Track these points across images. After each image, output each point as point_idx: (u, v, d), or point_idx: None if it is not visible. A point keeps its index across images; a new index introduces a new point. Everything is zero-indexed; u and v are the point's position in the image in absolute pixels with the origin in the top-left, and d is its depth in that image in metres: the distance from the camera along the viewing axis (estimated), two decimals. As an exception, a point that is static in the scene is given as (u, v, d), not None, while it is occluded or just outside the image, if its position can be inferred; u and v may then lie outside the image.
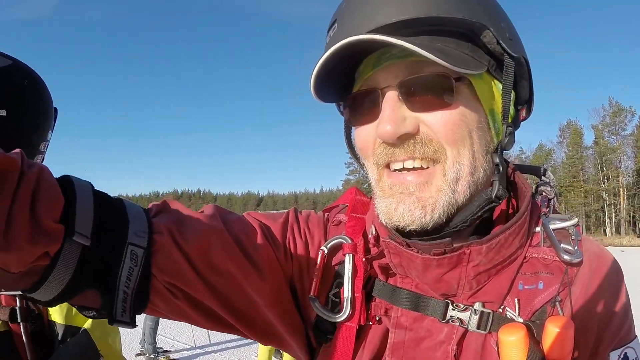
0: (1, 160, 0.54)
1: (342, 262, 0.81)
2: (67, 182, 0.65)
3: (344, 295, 0.78)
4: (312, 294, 0.81)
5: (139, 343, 6.75)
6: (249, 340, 7.77)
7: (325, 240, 0.85)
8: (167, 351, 6.98)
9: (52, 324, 1.04)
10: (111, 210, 0.69)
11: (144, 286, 0.70)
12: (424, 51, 0.62)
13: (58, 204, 0.60)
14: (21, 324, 0.98)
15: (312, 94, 0.74)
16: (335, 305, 0.80)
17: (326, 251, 0.83)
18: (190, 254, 0.73)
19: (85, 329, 1.01)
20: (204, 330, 7.45)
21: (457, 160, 0.70)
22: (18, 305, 0.97)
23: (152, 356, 6.56)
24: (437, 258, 0.70)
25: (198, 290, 0.74)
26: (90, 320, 0.99)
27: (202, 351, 7.00)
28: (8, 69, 0.91)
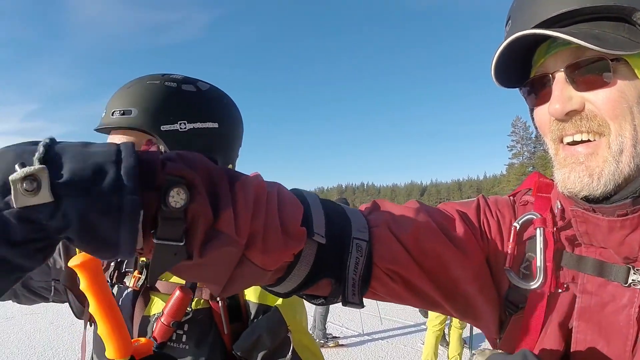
0: (257, 183, 0.70)
1: (532, 237, 0.90)
2: (297, 193, 0.81)
3: (537, 265, 0.86)
4: (507, 266, 0.90)
5: (310, 329, 7.00)
6: (416, 328, 7.72)
7: (515, 219, 0.94)
8: (336, 337, 7.18)
9: (247, 303, 1.17)
10: (336, 212, 0.84)
11: (368, 273, 0.82)
12: (576, 39, 0.72)
13: (299, 212, 0.75)
14: (220, 302, 1.13)
15: (494, 81, 0.86)
16: (526, 277, 0.88)
17: (518, 227, 0.92)
18: (406, 242, 0.85)
19: (276, 307, 1.13)
20: (374, 318, 7.65)
21: (619, 133, 0.76)
22: None
23: (322, 341, 6.79)
24: (620, 219, 0.76)
25: (413, 273, 0.86)
26: (280, 299, 1.12)
27: (370, 338, 7.02)
28: (211, 89, 1.06)
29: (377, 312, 7.39)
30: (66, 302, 1.13)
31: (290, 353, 1.04)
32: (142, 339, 0.77)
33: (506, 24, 0.90)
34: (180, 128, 0.93)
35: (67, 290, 1.09)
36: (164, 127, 0.92)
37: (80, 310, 1.11)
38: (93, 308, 0.72)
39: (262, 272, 0.71)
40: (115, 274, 1.05)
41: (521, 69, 0.90)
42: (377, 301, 0.92)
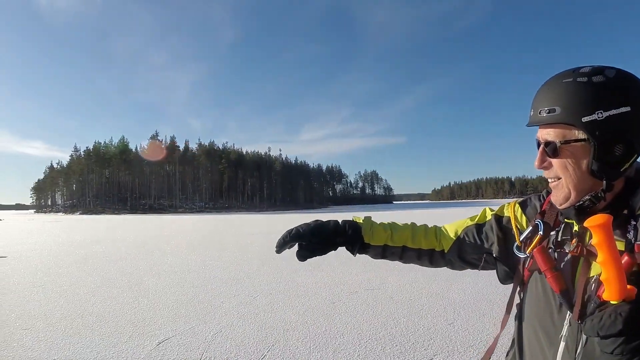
0: None
1: None
2: None
3: None
4: None
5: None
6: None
7: None
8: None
9: None
10: None
11: None
12: None
13: None
14: None
15: None
16: None
17: None
18: None
19: None
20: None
21: None
22: None
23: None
24: None
25: None
26: None
27: None
28: (618, 75, 1.07)
29: None
30: (493, 269, 1.33)
31: None
32: (629, 286, 0.85)
33: None
34: (598, 117, 1.01)
35: (496, 260, 1.29)
36: (584, 119, 1.02)
37: (504, 275, 1.29)
38: (602, 259, 0.83)
39: None
40: (554, 242, 1.13)
41: None
42: None
